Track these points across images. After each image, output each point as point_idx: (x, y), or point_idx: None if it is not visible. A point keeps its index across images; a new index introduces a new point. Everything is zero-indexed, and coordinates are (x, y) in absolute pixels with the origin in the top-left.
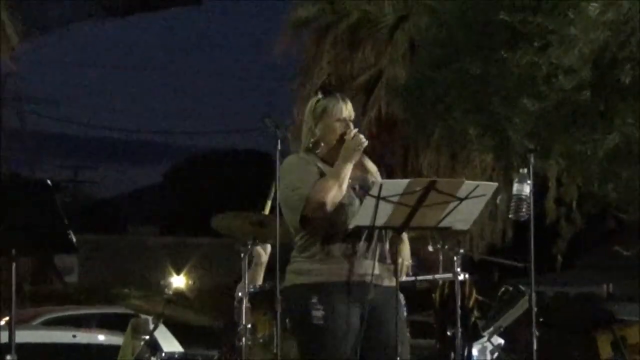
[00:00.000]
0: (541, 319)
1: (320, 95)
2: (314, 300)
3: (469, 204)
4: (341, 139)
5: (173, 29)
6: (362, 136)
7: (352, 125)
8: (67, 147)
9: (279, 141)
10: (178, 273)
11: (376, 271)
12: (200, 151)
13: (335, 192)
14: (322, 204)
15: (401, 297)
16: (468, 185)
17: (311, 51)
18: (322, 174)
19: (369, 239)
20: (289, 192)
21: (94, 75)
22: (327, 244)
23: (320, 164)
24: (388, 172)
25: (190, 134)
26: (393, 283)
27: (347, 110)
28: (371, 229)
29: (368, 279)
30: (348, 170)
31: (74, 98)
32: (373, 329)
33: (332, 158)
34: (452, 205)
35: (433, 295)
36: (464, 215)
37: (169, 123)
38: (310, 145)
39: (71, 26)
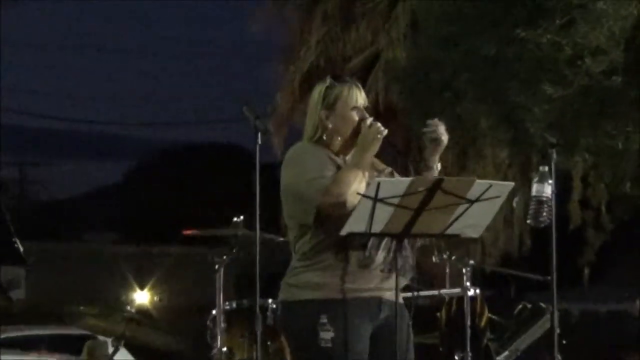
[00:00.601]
0: (564, 341)
1: (328, 82)
2: (324, 320)
3: (480, 207)
4: (356, 130)
5: (138, 6)
6: (379, 124)
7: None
8: (10, 140)
9: (259, 133)
10: (142, 288)
11: (391, 285)
12: (169, 146)
13: (357, 186)
14: (343, 199)
15: (406, 313)
16: (480, 185)
17: (297, 28)
18: (338, 168)
19: (387, 248)
20: (303, 182)
21: (44, 58)
22: (343, 251)
23: (335, 158)
24: None
25: (157, 126)
26: (400, 299)
27: (362, 97)
28: (366, 236)
29: (382, 294)
30: (367, 162)
31: (20, 83)
32: (381, 349)
33: (346, 152)
34: (461, 208)
35: (438, 313)
36: (474, 220)
37: (132, 113)
38: (323, 138)
39: (21, 2)
